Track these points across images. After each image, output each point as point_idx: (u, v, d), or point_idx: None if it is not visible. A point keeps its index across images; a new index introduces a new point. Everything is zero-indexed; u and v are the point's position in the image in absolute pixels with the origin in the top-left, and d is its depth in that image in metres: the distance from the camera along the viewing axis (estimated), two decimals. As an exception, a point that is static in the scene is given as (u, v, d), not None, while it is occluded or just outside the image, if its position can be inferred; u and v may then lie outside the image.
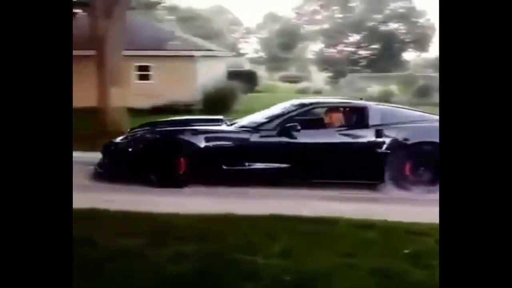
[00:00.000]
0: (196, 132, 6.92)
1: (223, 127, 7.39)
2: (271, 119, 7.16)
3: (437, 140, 6.19)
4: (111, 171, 7.06)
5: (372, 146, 6.77)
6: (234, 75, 27.37)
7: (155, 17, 42.50)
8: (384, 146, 6.73)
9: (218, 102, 17.44)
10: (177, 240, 4.49)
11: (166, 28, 23.79)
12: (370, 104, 7.39)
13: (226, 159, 6.78)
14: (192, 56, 19.59)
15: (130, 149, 6.97)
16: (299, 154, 6.85)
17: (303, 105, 7.43)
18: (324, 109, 7.62)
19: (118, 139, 7.37)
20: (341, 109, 7.47)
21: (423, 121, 7.03)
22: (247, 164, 6.77)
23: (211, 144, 6.79)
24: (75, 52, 13.57)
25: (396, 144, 6.72)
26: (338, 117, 7.31)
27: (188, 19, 56.98)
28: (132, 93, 14.85)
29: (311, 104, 7.65)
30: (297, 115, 7.11)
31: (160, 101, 17.49)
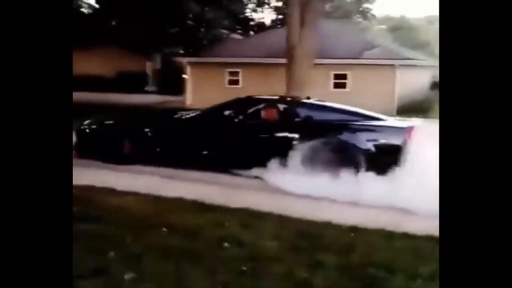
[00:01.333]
0: (141, 121, 8.52)
1: (172, 117, 8.51)
2: (210, 111, 8.16)
3: (350, 140, 6.90)
4: (77, 150, 8.18)
5: (285, 140, 7.24)
6: (437, 85, 25.88)
7: (366, 26, 42.53)
8: (297, 141, 7.12)
9: (413, 111, 16.64)
10: (320, 249, 4.35)
11: (366, 37, 23.55)
12: (307, 101, 8.17)
13: (160, 143, 7.96)
14: (392, 65, 19.04)
15: (87, 131, 8.43)
16: (219, 144, 7.77)
17: (240, 100, 8.34)
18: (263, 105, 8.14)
19: (85, 123, 8.60)
20: (277, 105, 8.07)
21: (354, 121, 7.34)
22: (177, 148, 7.92)
23: (150, 130, 8.02)
24: (269, 60, 14.36)
25: (309, 139, 7.05)
26: (272, 113, 7.85)
27: (398, 28, 55.74)
28: (329, 101, 14.97)
29: (247, 100, 8.43)
30: (232, 109, 8.02)
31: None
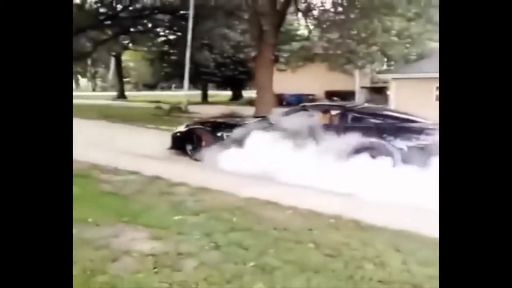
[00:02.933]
0: (212, 125, 10.54)
1: (239, 121, 10.73)
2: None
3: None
4: (172, 148, 10.71)
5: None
6: None
7: None
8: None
9: None
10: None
11: None
12: (355, 107, 9.75)
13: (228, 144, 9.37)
14: None
15: (178, 134, 10.77)
16: None
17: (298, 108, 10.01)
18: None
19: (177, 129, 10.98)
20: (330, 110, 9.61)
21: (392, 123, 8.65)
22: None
23: (220, 132, 10.00)
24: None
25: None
26: (325, 117, 9.41)
27: None
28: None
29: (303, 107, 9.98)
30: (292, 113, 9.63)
31: None
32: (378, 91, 27.18)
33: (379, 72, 25.69)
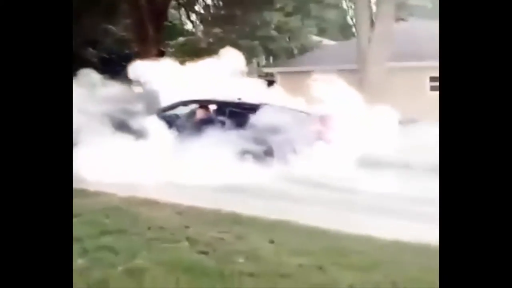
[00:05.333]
0: None
1: None
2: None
3: None
4: None
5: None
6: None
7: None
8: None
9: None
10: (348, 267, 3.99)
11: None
12: (232, 101, 9.56)
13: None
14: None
15: None
16: None
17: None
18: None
19: None
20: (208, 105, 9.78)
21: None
22: None
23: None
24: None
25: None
26: (204, 112, 9.65)
27: None
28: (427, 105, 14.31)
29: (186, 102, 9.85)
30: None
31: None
32: (269, 85, 27.64)
33: (264, 66, 26.16)
